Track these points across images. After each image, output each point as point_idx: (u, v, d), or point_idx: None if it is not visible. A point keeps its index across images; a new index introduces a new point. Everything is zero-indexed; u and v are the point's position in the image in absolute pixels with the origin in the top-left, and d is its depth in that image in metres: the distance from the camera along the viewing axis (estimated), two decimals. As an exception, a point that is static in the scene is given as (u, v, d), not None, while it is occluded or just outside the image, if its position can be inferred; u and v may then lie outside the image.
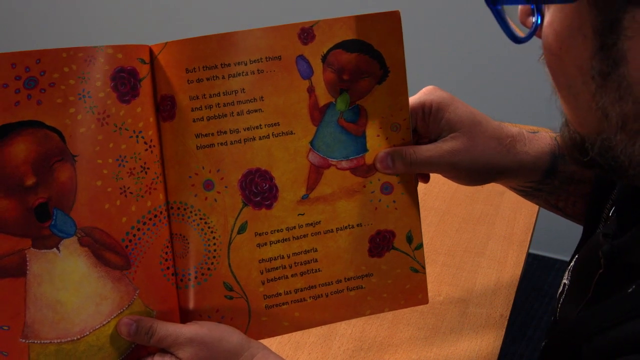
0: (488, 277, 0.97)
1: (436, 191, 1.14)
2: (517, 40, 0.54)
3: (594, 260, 0.62)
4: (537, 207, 1.09)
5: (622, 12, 0.46)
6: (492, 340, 0.87)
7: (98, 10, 2.51)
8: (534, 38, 0.54)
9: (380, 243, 0.72)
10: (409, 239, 0.73)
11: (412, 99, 0.73)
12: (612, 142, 0.51)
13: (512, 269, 0.99)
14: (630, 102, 0.48)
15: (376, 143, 0.70)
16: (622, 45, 0.47)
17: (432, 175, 0.76)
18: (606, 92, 0.49)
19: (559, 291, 0.71)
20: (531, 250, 1.95)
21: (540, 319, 1.98)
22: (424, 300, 0.75)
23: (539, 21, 0.52)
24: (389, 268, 0.73)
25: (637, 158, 0.50)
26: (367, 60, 0.68)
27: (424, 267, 0.74)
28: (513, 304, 0.92)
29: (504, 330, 0.88)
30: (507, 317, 0.90)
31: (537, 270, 2.17)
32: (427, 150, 0.71)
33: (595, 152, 0.53)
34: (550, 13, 0.51)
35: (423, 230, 0.89)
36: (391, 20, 0.68)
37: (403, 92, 0.70)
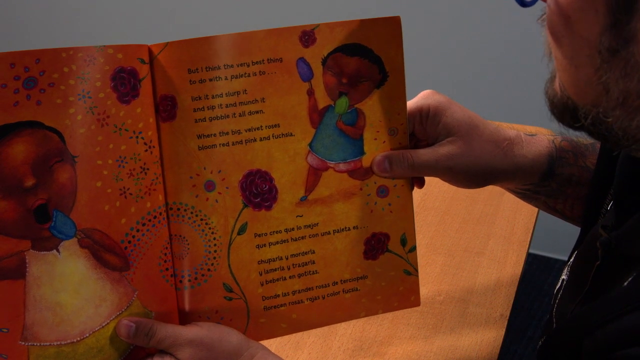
0: (488, 277, 0.97)
1: (436, 191, 1.14)
2: (524, 4, 0.55)
3: (592, 252, 0.62)
4: (537, 207, 1.09)
5: None
6: (492, 340, 0.87)
7: (97, 10, 2.50)
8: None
9: (375, 245, 0.72)
10: (403, 242, 0.73)
11: (410, 103, 0.73)
12: (608, 116, 0.51)
13: (512, 268, 0.98)
14: (636, 79, 0.49)
15: (374, 146, 0.71)
16: (636, 25, 0.48)
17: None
18: (611, 67, 0.50)
19: (557, 287, 0.71)
20: (531, 250, 1.95)
21: (540, 319, 1.98)
22: (416, 303, 0.75)
23: None
24: (383, 270, 0.73)
25: (634, 132, 0.51)
26: (367, 64, 0.68)
27: (416, 270, 0.74)
28: (513, 304, 0.92)
29: (504, 330, 0.88)
30: (507, 317, 0.90)
31: (537, 270, 2.17)
32: (425, 154, 0.71)
33: (588, 122, 0.53)
34: None
35: (423, 231, 0.90)
36: (392, 26, 0.68)
37: (401, 96, 0.70)
